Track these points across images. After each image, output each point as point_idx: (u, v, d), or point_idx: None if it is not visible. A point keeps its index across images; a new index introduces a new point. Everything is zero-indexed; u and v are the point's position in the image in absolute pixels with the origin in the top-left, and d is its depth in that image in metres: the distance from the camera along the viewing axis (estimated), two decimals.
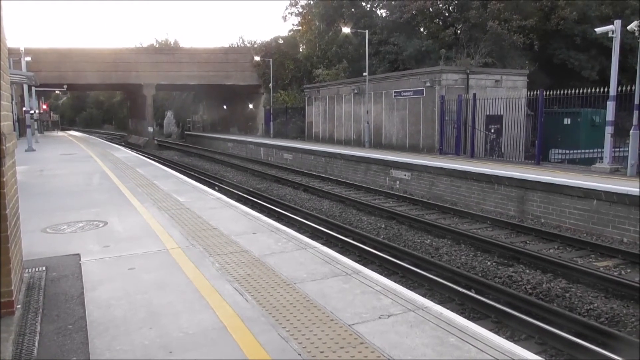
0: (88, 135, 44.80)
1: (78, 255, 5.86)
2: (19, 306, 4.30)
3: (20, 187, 5.50)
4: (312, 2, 38.71)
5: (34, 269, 5.36)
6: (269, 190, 17.54)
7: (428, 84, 20.83)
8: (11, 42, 41.86)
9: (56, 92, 50.55)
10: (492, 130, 19.52)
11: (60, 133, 48.09)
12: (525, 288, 7.64)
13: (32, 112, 28.65)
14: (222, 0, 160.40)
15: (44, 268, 5.40)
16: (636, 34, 13.38)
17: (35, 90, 32.85)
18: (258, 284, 4.82)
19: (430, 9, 30.15)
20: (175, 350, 3.54)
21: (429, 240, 10.43)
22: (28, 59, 28.12)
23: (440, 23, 30.78)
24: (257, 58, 37.62)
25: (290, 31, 42.46)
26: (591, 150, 17.68)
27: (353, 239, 10.08)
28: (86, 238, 6.67)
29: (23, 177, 12.68)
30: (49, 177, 13.61)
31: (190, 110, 55.60)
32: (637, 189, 10.17)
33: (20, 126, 31.05)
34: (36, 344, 3.67)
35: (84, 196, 10.24)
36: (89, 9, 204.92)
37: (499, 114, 18.83)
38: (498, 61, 26.75)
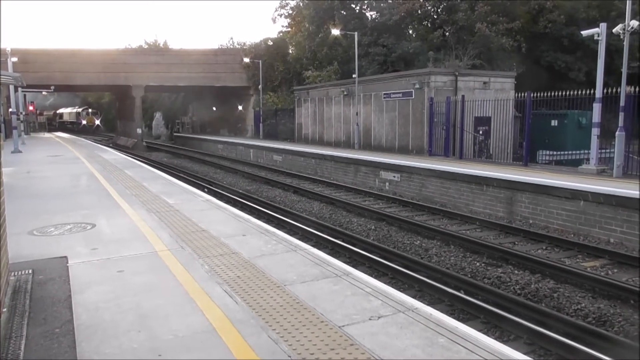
0: (75, 137, 44.40)
1: (65, 257, 5.80)
2: (5, 310, 4.24)
3: (7, 189, 5.44)
4: (301, 4, 38.74)
5: (20, 272, 5.30)
6: (259, 192, 17.50)
7: (417, 86, 20.92)
8: None
9: (43, 93, 50.01)
10: (481, 132, 19.64)
11: (47, 134, 47.62)
12: (514, 288, 7.69)
13: (20, 113, 28.33)
14: (211, 0, 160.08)
15: (30, 271, 5.35)
16: (621, 37, 13.54)
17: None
18: (248, 286, 4.81)
19: (419, 11, 30.30)
20: (165, 353, 3.52)
21: (418, 242, 10.47)
22: (14, 59, 27.82)
23: (429, 25, 30.93)
24: (246, 60, 37.55)
25: (279, 33, 42.47)
26: (578, 152, 17.87)
27: (343, 241, 10.09)
28: (74, 240, 6.61)
29: (9, 179, 12.54)
30: (35, 179, 13.47)
31: (180, 112, 55.31)
32: (624, 190, 10.29)
33: (6, 127, 30.69)
34: (22, 347, 3.63)
35: (72, 198, 10.14)
36: (77, 10, 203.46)
37: (487, 115, 18.96)
38: (486, 63, 26.95)
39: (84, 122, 63.62)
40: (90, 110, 66.19)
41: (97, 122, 63.37)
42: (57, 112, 76.55)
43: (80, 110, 67.29)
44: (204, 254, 5.89)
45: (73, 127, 65.14)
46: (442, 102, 19.83)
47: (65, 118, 70.94)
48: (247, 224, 7.68)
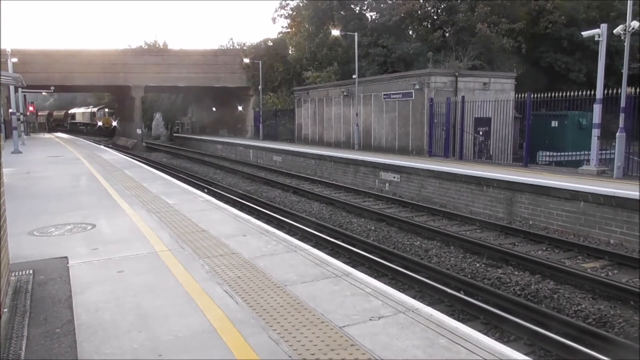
0: (75, 137, 44.40)
1: (66, 258, 5.80)
2: (6, 310, 4.24)
3: (7, 189, 5.43)
4: (301, 5, 38.75)
5: (20, 273, 5.30)
6: (258, 192, 17.50)
7: (417, 87, 20.92)
8: None
9: (43, 93, 49.94)
10: (481, 133, 19.63)
11: (47, 135, 47.60)
12: (514, 289, 7.69)
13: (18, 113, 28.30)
14: (211, 0, 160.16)
15: (31, 271, 5.34)
16: (622, 38, 13.54)
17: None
18: (248, 287, 4.81)
19: (419, 12, 30.31)
20: (165, 354, 3.52)
21: (418, 242, 10.47)
22: (14, 60, 27.80)
23: (429, 26, 30.93)
24: (246, 60, 37.56)
25: (279, 33, 42.48)
26: (578, 153, 17.85)
27: (343, 241, 10.09)
28: (74, 241, 6.61)
29: (9, 179, 12.53)
30: (36, 179, 13.47)
31: (179, 112, 55.30)
32: (624, 191, 10.29)
33: (7, 128, 30.68)
34: (23, 347, 3.63)
35: (72, 198, 10.14)
36: (77, 10, 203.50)
37: (487, 116, 18.95)
38: (486, 64, 26.94)
39: (100, 123, 56.31)
40: (107, 110, 57.51)
41: (115, 123, 54.54)
42: (69, 112, 70.88)
43: (95, 110, 59.40)
44: (204, 254, 5.89)
45: (87, 129, 59.08)
46: (442, 102, 19.83)
47: (78, 119, 64.76)
48: (247, 224, 7.68)
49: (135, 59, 39.56)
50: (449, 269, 8.69)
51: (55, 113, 77.71)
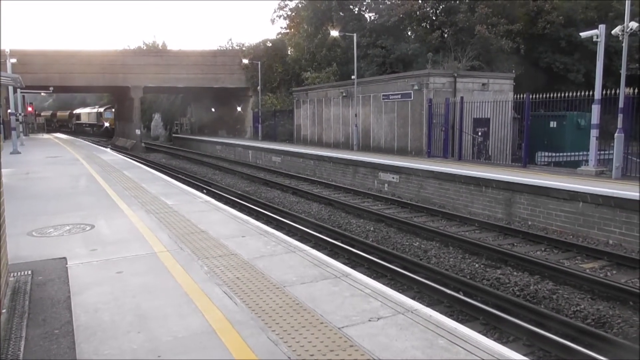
0: (74, 138, 44.34)
1: (64, 258, 5.80)
2: (4, 311, 4.24)
3: (6, 190, 5.43)
4: (300, 5, 38.76)
5: (19, 273, 5.29)
6: (257, 193, 17.49)
7: (416, 87, 20.94)
8: None
9: (42, 94, 49.82)
10: (480, 133, 19.65)
11: (45, 135, 47.51)
12: (513, 290, 7.69)
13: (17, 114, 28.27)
14: (211, 0, 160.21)
15: (29, 272, 5.34)
16: (620, 38, 13.56)
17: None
18: (247, 287, 4.80)
19: (417, 13, 30.33)
20: (164, 354, 3.52)
21: (417, 243, 10.47)
22: (13, 60, 27.75)
23: (428, 26, 30.95)
24: (245, 61, 37.57)
25: (278, 34, 42.49)
26: (577, 153, 17.87)
27: (342, 242, 10.09)
28: (73, 241, 6.60)
29: (8, 179, 12.52)
30: (34, 179, 13.45)
31: (178, 113, 55.23)
32: (623, 192, 10.30)
33: (5, 128, 30.63)
34: (22, 349, 3.63)
35: (71, 199, 10.13)
36: (76, 11, 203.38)
37: (486, 117, 18.97)
38: (485, 65, 26.95)
39: (107, 124, 54.34)
40: (114, 110, 54.32)
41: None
42: (74, 112, 68.91)
43: (102, 110, 56.68)
44: (203, 255, 5.89)
45: (93, 131, 57.49)
46: (441, 103, 19.85)
47: (84, 119, 62.87)
48: (246, 225, 7.68)
49: (135, 59, 39.55)
50: (448, 269, 8.69)
51: (59, 113, 76.18)
